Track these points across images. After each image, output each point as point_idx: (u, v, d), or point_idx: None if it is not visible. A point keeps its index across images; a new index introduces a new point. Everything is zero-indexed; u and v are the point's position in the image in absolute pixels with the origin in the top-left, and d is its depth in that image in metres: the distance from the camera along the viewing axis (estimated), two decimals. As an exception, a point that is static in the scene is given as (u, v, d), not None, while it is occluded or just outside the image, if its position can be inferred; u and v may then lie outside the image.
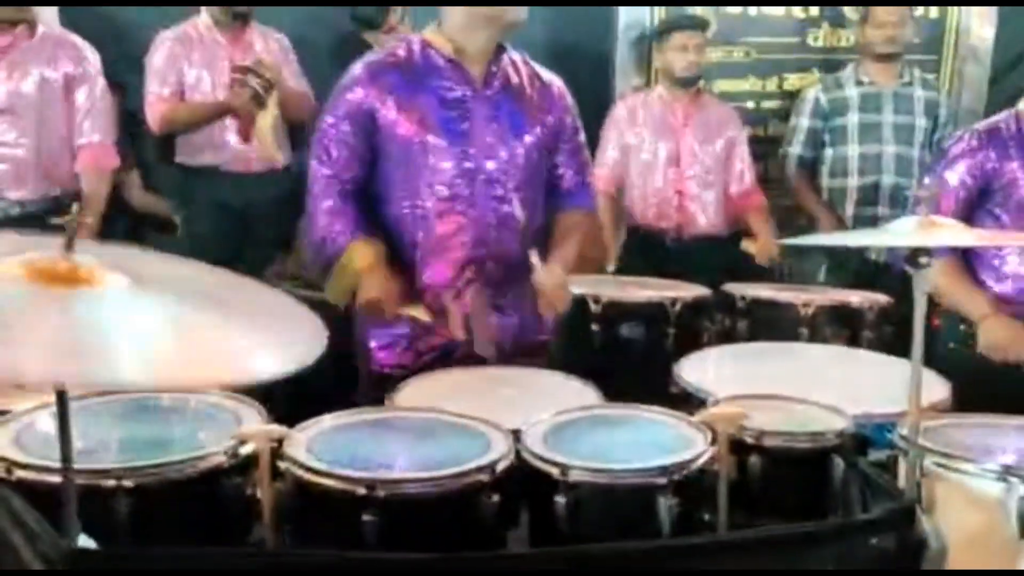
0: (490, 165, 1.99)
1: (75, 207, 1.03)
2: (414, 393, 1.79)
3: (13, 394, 1.68)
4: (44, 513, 1.24)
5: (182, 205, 3.34)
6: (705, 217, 3.27)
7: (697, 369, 2.00)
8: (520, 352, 2.07)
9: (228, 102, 3.11)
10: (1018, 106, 2.30)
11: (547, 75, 2.13)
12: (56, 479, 1.29)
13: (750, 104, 3.73)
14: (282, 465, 1.41)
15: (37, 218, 2.72)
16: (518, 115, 2.03)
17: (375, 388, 1.96)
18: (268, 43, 3.28)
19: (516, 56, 2.09)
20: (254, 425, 1.50)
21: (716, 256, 3.27)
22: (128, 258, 1.06)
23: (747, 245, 3.24)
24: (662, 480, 1.39)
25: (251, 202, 3.22)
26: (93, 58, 2.87)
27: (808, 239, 2.04)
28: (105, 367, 0.93)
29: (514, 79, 2.05)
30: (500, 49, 2.04)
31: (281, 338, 1.08)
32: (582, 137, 2.21)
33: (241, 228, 3.24)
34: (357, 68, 2.00)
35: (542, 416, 1.60)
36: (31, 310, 0.98)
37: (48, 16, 3.06)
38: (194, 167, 3.24)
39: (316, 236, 1.98)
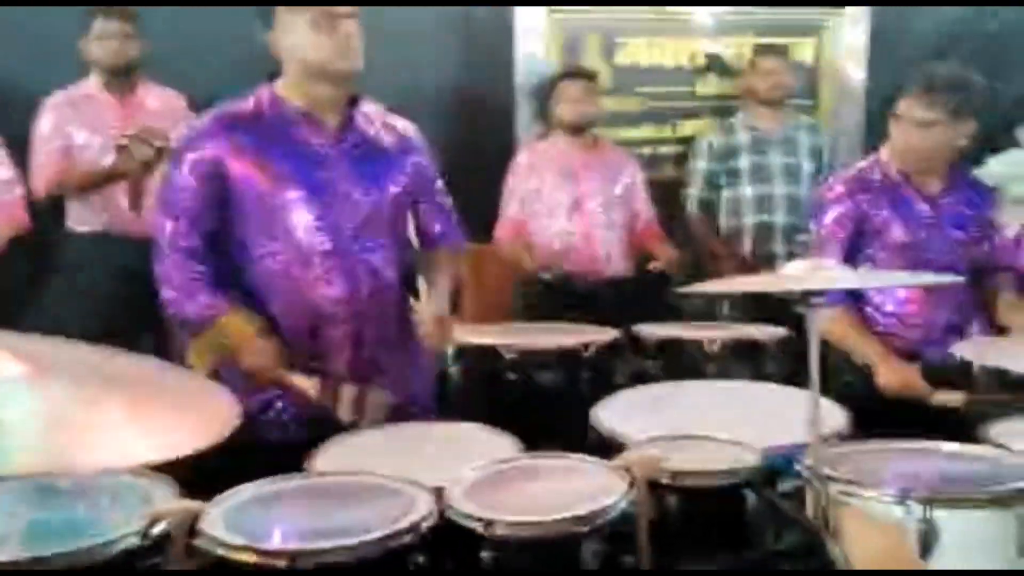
0: (353, 217, 1.97)
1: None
2: (334, 455, 1.77)
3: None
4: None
5: (77, 271, 3.22)
6: (611, 259, 3.37)
7: (612, 413, 2.04)
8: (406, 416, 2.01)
9: (116, 167, 3.01)
10: (880, 154, 2.49)
11: (401, 123, 2.14)
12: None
13: (647, 150, 3.88)
14: (198, 543, 1.37)
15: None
16: (378, 165, 2.03)
17: (272, 457, 1.77)
18: (163, 101, 3.23)
19: (370, 107, 2.09)
20: (166, 502, 1.45)
21: (624, 298, 3.36)
22: (27, 344, 1.03)
23: (654, 265, 3.27)
24: (584, 528, 1.42)
25: (151, 264, 3.13)
26: None
27: (709, 287, 2.13)
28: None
29: (369, 130, 2.05)
30: (353, 101, 2.04)
31: (191, 415, 1.07)
32: (440, 183, 2.23)
33: (143, 290, 3.13)
34: (204, 121, 1.96)
35: (464, 471, 1.60)
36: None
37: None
38: (87, 233, 3.15)
39: (173, 301, 1.93)
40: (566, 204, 3.32)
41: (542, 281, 3.33)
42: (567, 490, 1.56)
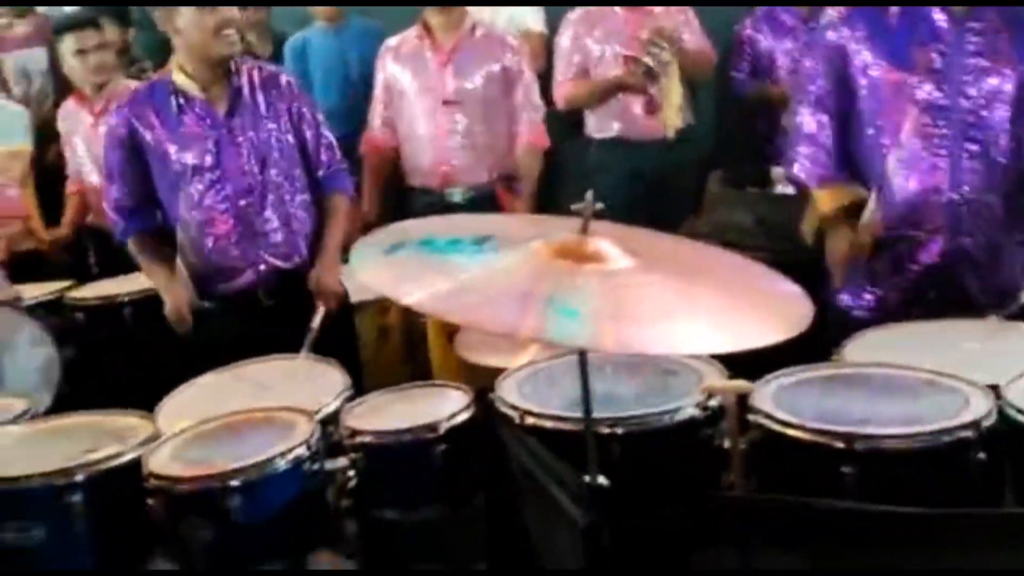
0: (966, 108, 1.86)
1: (590, 198, 1.19)
2: (866, 345, 1.76)
3: (507, 352, 1.97)
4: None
5: (595, 175, 3.57)
6: None
7: None
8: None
9: (622, 79, 3.22)
10: None
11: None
12: (562, 426, 1.53)
13: None
14: (751, 418, 1.49)
15: (486, 200, 3.10)
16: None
17: (835, 330, 1.89)
18: (668, 6, 3.36)
19: None
20: (718, 379, 1.60)
21: None
22: (635, 237, 1.21)
23: None
24: None
25: (660, 168, 3.34)
26: (522, 51, 3.19)
27: None
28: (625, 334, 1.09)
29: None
30: None
31: (766, 311, 1.16)
32: None
33: (653, 193, 3.38)
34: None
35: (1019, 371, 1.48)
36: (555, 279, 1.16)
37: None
38: (605, 139, 3.46)
39: (791, 156, 2.06)
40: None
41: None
42: None
